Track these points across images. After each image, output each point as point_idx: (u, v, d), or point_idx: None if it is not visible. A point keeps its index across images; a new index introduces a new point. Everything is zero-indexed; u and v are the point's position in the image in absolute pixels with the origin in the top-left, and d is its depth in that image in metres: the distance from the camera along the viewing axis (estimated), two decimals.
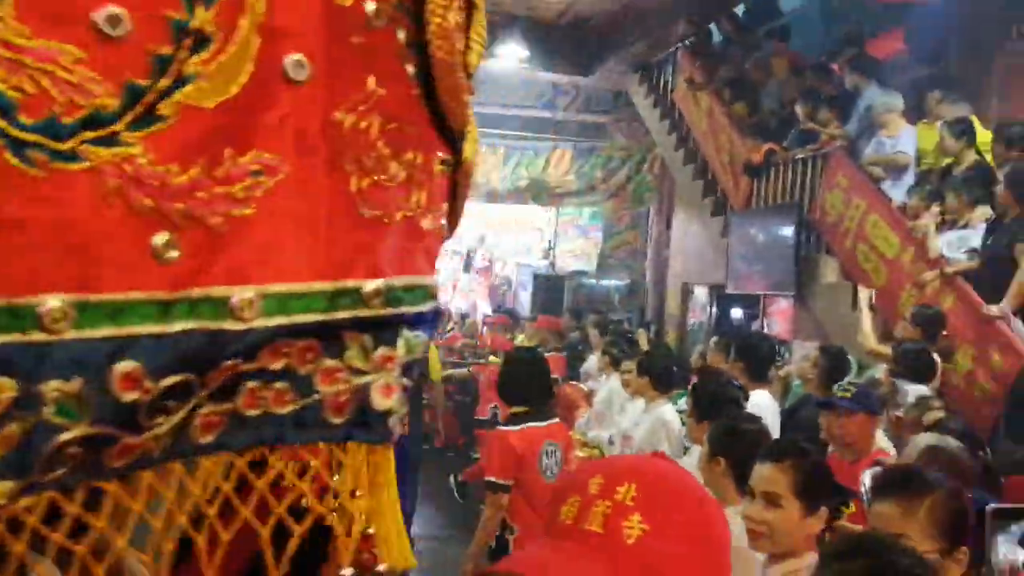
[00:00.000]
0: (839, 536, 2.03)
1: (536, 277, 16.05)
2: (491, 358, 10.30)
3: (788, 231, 8.80)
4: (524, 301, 16.14)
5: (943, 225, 6.84)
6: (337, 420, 0.82)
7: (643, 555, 1.08)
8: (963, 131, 7.13)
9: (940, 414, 4.68)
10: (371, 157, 0.80)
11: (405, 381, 0.82)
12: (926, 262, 6.77)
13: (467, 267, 17.28)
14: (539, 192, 15.04)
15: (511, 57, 12.78)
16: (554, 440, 5.03)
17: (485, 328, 12.28)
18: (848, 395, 4.61)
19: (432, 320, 0.88)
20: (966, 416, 5.63)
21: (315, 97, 0.81)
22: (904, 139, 7.77)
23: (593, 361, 9.71)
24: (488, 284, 17.03)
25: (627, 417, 6.70)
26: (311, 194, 0.80)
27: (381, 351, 0.79)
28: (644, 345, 9.18)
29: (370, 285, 0.79)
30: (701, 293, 12.38)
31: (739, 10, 11.93)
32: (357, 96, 0.81)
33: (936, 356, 5.86)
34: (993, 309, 5.91)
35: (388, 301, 0.79)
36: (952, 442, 3.91)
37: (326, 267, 0.80)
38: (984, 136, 7.21)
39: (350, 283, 0.81)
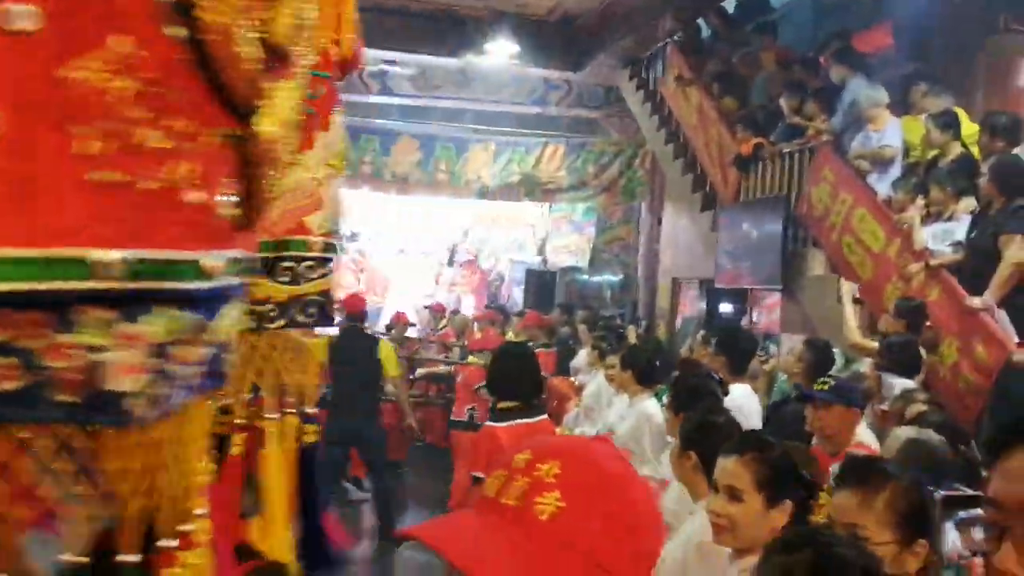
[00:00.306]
0: (783, 530, 2.00)
1: (528, 273, 16.02)
2: (470, 358, 10.23)
3: (775, 225, 8.78)
4: (517, 297, 16.13)
5: (928, 218, 6.81)
6: (67, 399, 0.75)
7: (557, 532, 1.09)
8: (948, 123, 7.10)
9: (922, 407, 4.65)
10: (116, 120, 0.75)
11: (171, 366, 0.78)
12: (912, 255, 6.75)
13: (450, 261, 17.27)
14: (531, 188, 15.00)
15: (501, 53, 12.75)
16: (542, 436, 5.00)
17: (475, 324, 12.23)
18: (826, 388, 4.61)
19: (213, 299, 0.82)
20: (952, 409, 5.62)
21: (40, 51, 0.75)
22: (890, 132, 7.75)
23: (583, 356, 9.69)
24: (474, 279, 16.99)
25: (613, 412, 6.69)
26: (27, 154, 0.75)
27: (124, 327, 0.75)
28: (633, 340, 9.17)
29: (100, 255, 0.74)
30: (691, 288, 12.36)
31: (730, 5, 11.93)
32: (97, 55, 0.75)
33: (921, 349, 5.85)
34: (976, 301, 5.88)
35: (132, 274, 0.75)
36: (933, 436, 3.91)
37: (40, 233, 0.74)
38: (970, 128, 7.19)
39: (70, 252, 0.74)
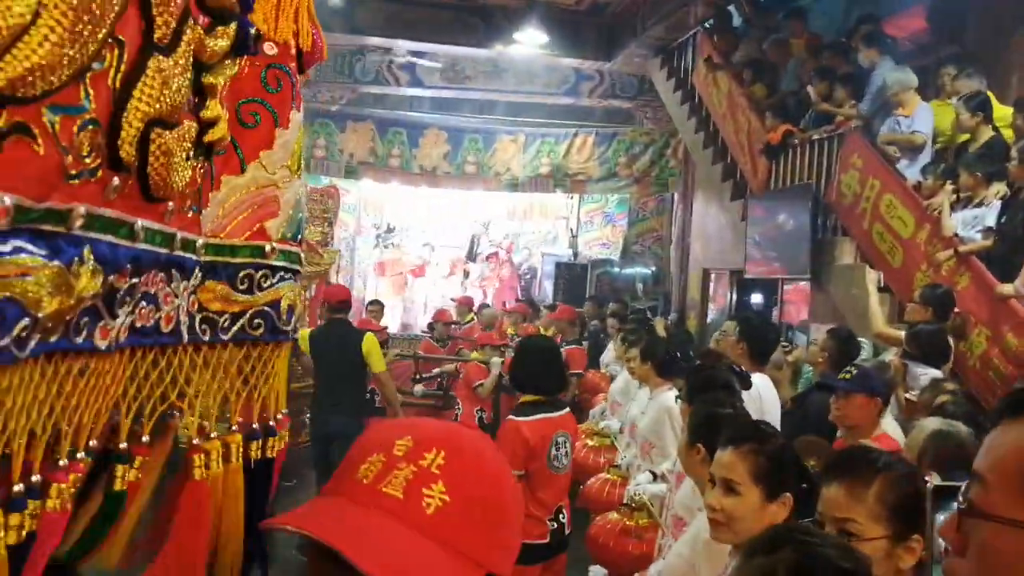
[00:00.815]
0: (764, 528, 1.91)
1: (558, 266, 15.93)
2: (473, 354, 9.95)
3: (804, 214, 8.64)
4: (548, 291, 16.05)
5: (958, 203, 6.65)
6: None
7: (440, 527, 1.05)
8: (979, 106, 6.92)
9: (946, 397, 4.53)
10: None
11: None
12: (941, 241, 6.59)
13: (471, 255, 17.19)
14: (561, 179, 14.91)
15: (531, 43, 12.66)
16: (565, 431, 4.97)
17: (505, 318, 12.12)
18: (849, 377, 4.53)
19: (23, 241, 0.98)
20: (982, 398, 5.48)
21: None
22: (920, 118, 7.57)
23: (612, 350, 9.60)
24: (503, 272, 16.92)
25: (635, 405, 6.61)
26: None
27: None
28: (662, 333, 9.07)
29: None
30: (722, 278, 12.23)
31: None
32: None
33: (950, 338, 5.71)
34: (1007, 288, 5.73)
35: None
36: (960, 427, 3.79)
37: None
38: (1002, 111, 7.01)
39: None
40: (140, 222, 1.17)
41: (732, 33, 11.85)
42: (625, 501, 5.31)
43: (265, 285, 1.56)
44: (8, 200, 0.95)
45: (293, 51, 1.61)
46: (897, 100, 7.70)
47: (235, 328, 1.52)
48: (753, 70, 10.79)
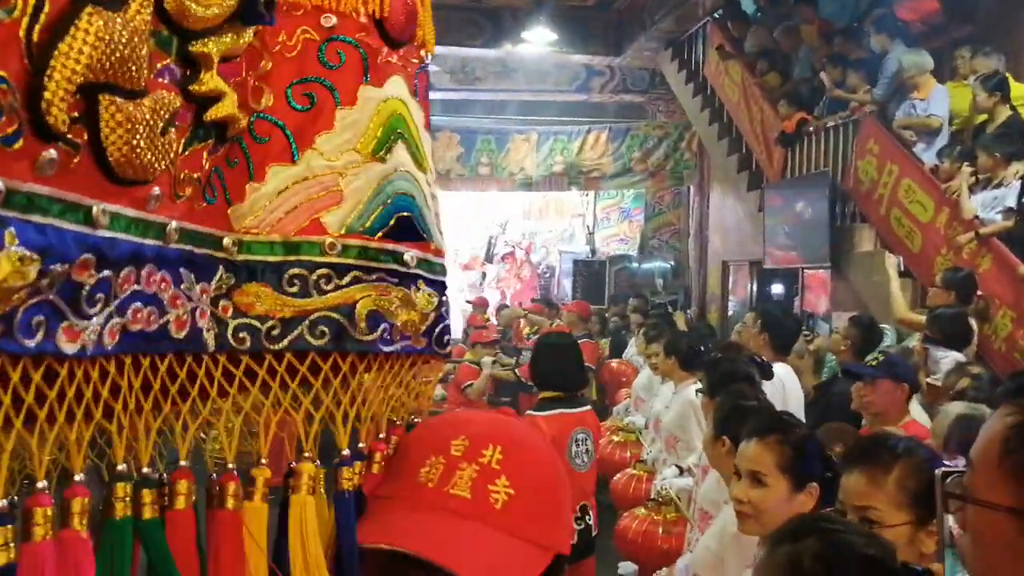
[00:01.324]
0: (789, 518, 1.90)
1: (576, 263, 15.92)
2: (466, 354, 9.80)
3: (822, 202, 8.61)
4: (568, 288, 16.04)
5: (976, 185, 6.60)
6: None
7: (510, 519, 1.09)
8: (996, 85, 6.87)
9: (967, 381, 4.49)
10: None
11: None
12: (961, 224, 6.55)
13: (489, 256, 17.19)
14: (575, 176, 14.90)
15: (539, 42, 12.66)
16: (585, 427, 4.94)
17: (522, 319, 12.12)
18: (876, 364, 4.50)
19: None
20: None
21: None
22: (935, 100, 7.53)
23: (633, 346, 9.57)
24: (523, 272, 16.91)
25: (659, 400, 6.59)
26: None
27: None
28: (682, 327, 9.04)
29: None
30: (741, 270, 12.18)
31: None
32: None
33: (972, 321, 5.66)
34: None
35: None
36: (985, 410, 3.75)
37: None
38: (1019, 90, 6.95)
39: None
40: (100, 205, 1.01)
41: (743, 20, 11.81)
42: (652, 496, 5.30)
43: (327, 287, 1.34)
44: None
45: (363, 20, 1.40)
46: (912, 83, 7.66)
47: (290, 336, 1.30)
48: (765, 58, 10.75)
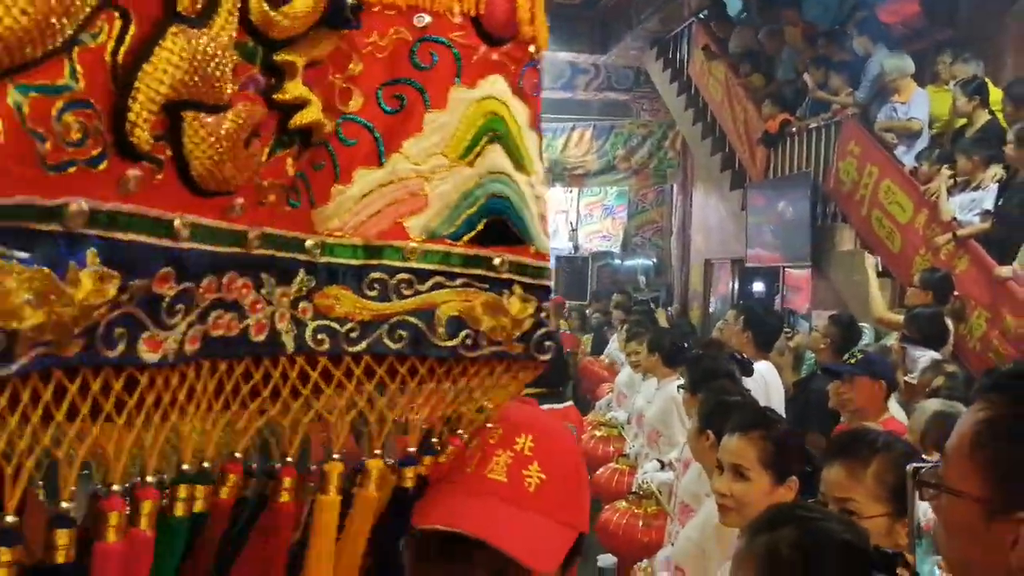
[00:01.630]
0: (766, 508, 1.97)
1: (559, 260, 15.99)
2: None
3: (804, 202, 8.72)
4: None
5: (955, 187, 6.71)
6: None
7: (543, 501, 1.20)
8: (976, 90, 6.99)
9: (942, 380, 4.59)
10: None
11: None
12: (939, 226, 6.66)
13: None
14: (559, 173, 14.96)
15: None
16: (570, 422, 5.01)
17: None
18: (853, 362, 4.58)
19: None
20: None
21: None
22: (916, 103, 7.65)
23: (615, 342, 9.66)
24: None
25: (640, 396, 6.68)
26: None
27: None
28: (664, 323, 9.13)
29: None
30: (723, 268, 12.28)
31: None
32: None
33: (948, 321, 5.77)
34: (1005, 271, 5.80)
35: None
36: (961, 408, 3.84)
37: None
38: (997, 95, 7.06)
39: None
40: (183, 218, 1.03)
41: (728, 21, 11.90)
42: (634, 489, 5.38)
43: (407, 292, 1.31)
44: None
45: (458, 19, 1.34)
46: (894, 86, 7.78)
47: (368, 339, 1.28)
48: (749, 59, 10.85)
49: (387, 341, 1.28)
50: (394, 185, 1.29)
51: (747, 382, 4.46)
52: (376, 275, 1.28)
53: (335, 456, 1.27)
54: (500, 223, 1.35)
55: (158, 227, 0.99)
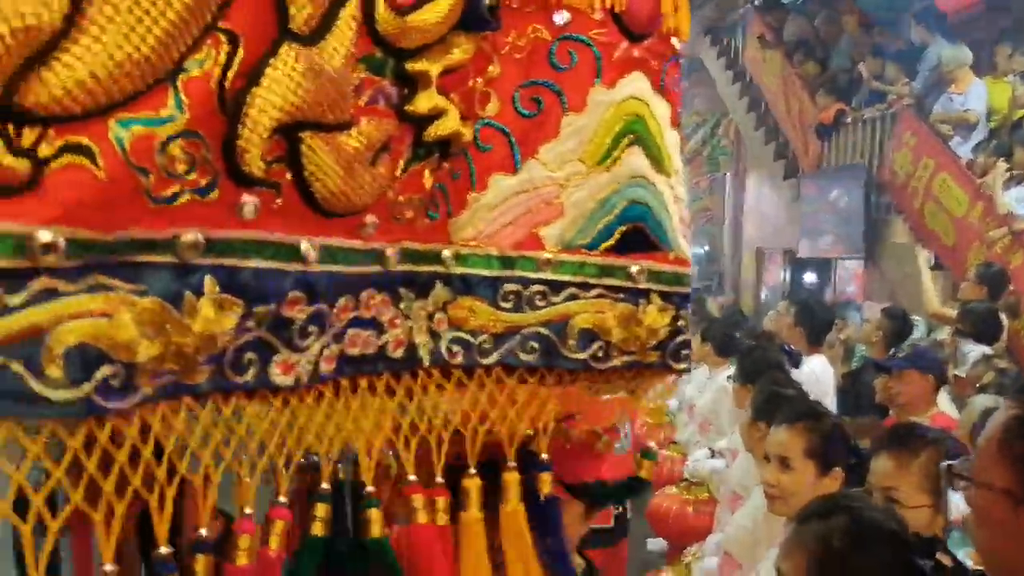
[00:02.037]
0: (814, 498, 2.06)
1: None
2: None
3: (857, 193, 8.68)
4: None
5: (1011, 181, 6.66)
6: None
7: None
8: None
9: (992, 375, 4.60)
10: None
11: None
12: (995, 219, 6.63)
13: None
14: None
15: None
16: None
17: None
18: (902, 356, 4.59)
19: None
20: None
21: None
22: (973, 95, 7.58)
23: None
24: None
25: (691, 385, 6.71)
26: None
27: None
28: (715, 313, 9.15)
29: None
30: (775, 258, 12.24)
31: None
32: None
33: (1003, 316, 5.75)
34: None
35: None
36: None
37: None
38: None
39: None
40: (310, 241, 1.00)
41: (783, 9, 11.83)
42: (685, 476, 5.44)
43: (540, 304, 1.28)
44: (47, 235, 0.80)
45: (599, 15, 1.30)
46: (951, 77, 7.71)
47: (500, 351, 1.26)
48: (803, 47, 10.79)
49: (519, 352, 1.27)
50: (528, 194, 1.26)
51: (798, 375, 4.51)
52: (511, 287, 1.27)
53: (471, 471, 1.27)
54: (638, 230, 1.33)
55: (283, 252, 0.97)
